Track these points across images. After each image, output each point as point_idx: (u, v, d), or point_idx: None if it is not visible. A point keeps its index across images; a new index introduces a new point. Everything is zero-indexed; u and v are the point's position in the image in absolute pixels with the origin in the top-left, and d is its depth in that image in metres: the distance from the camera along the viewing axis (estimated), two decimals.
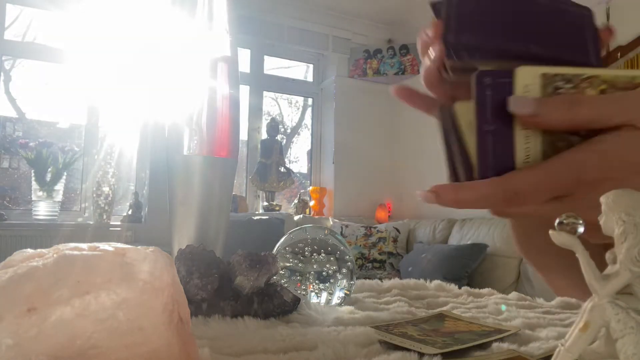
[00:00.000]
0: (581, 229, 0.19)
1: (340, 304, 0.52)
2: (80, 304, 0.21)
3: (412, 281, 0.67)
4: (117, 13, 3.12)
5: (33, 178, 2.93)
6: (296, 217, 3.40)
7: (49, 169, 2.94)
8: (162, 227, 2.95)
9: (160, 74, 3.04)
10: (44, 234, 2.79)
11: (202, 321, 0.41)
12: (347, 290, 0.53)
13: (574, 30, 0.33)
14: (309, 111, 4.28)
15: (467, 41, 0.31)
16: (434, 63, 0.33)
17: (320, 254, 0.52)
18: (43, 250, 0.24)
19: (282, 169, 3.68)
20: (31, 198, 2.98)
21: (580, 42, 0.33)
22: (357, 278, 0.61)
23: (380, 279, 0.71)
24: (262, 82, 3.93)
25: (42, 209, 2.95)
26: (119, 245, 0.25)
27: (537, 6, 0.33)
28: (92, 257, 0.23)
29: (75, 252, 0.23)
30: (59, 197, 3.01)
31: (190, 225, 0.52)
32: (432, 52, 0.33)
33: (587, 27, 0.33)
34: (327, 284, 0.52)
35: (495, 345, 0.36)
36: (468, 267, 2.71)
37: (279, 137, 3.77)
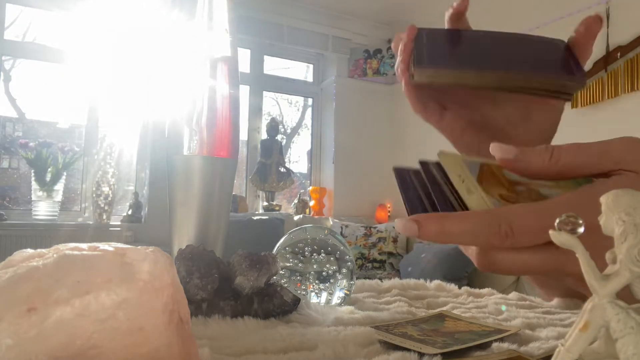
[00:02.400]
0: (581, 229, 0.19)
1: (340, 304, 0.52)
2: (80, 304, 0.21)
3: (412, 281, 0.67)
4: (117, 13, 3.12)
5: (33, 178, 2.93)
6: (296, 217, 3.40)
7: (49, 169, 2.94)
8: (162, 227, 2.95)
9: (160, 74, 3.04)
10: (44, 234, 2.79)
11: (202, 321, 0.41)
12: (347, 290, 0.53)
13: (543, 52, 0.36)
14: (309, 111, 4.28)
15: (429, 66, 0.35)
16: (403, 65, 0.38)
17: (320, 254, 0.52)
18: (43, 250, 0.24)
19: (282, 169, 3.67)
20: (31, 198, 2.98)
21: (552, 61, 0.34)
22: (357, 278, 0.61)
23: (380, 279, 0.71)
24: (262, 82, 3.93)
25: (42, 209, 2.95)
26: (119, 245, 0.25)
27: (501, 40, 0.37)
28: (92, 257, 0.23)
29: (75, 252, 0.23)
30: (58, 197, 3.01)
31: (190, 225, 0.52)
32: (403, 52, 0.38)
33: (556, 50, 0.36)
34: (327, 284, 0.52)
35: (495, 345, 0.36)
36: (468, 267, 2.71)
37: (279, 137, 3.77)
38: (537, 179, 0.28)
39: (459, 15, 0.40)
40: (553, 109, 0.39)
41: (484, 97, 0.39)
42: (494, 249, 0.28)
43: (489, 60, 0.35)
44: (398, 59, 0.39)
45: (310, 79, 4.22)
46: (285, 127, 4.36)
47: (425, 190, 0.30)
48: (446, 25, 0.41)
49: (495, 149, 0.29)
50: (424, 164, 0.31)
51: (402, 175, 0.31)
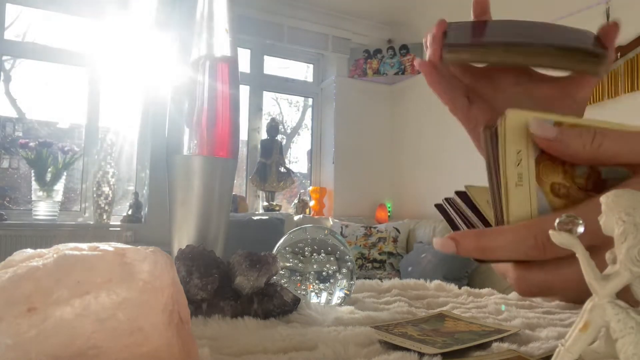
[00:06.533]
0: (581, 229, 0.19)
1: (340, 304, 0.52)
2: (80, 304, 0.21)
3: (412, 281, 0.67)
4: (117, 13, 3.12)
5: (33, 178, 2.93)
6: (296, 217, 3.40)
7: (49, 169, 2.94)
8: (162, 227, 2.95)
9: (161, 74, 3.04)
10: (44, 234, 2.79)
11: (202, 321, 0.41)
12: (347, 290, 0.53)
13: (568, 35, 0.37)
14: (309, 111, 4.28)
15: (460, 41, 0.36)
16: (434, 49, 0.37)
17: (320, 254, 0.52)
18: (43, 250, 0.24)
19: (282, 169, 3.68)
20: (31, 198, 2.98)
21: (576, 39, 0.36)
22: (357, 278, 0.61)
23: (380, 279, 0.71)
24: (262, 82, 3.93)
25: (42, 209, 2.95)
26: (119, 245, 0.25)
27: (531, 27, 0.39)
28: (92, 257, 0.23)
29: (75, 252, 0.23)
30: (59, 197, 3.01)
31: (190, 225, 0.52)
32: (432, 42, 0.37)
33: (581, 33, 0.37)
34: (327, 284, 0.52)
35: (495, 345, 0.36)
36: (468, 267, 2.71)
37: (279, 137, 3.77)
38: (575, 163, 0.27)
39: (482, 4, 0.41)
40: (574, 106, 0.39)
41: (509, 93, 0.39)
42: (530, 270, 0.27)
43: (515, 38, 0.36)
44: (428, 51, 0.38)
45: (310, 79, 4.22)
46: (285, 127, 4.36)
47: (462, 213, 0.32)
48: (472, 16, 0.42)
49: (535, 127, 0.26)
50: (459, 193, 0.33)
51: (443, 209, 0.34)
